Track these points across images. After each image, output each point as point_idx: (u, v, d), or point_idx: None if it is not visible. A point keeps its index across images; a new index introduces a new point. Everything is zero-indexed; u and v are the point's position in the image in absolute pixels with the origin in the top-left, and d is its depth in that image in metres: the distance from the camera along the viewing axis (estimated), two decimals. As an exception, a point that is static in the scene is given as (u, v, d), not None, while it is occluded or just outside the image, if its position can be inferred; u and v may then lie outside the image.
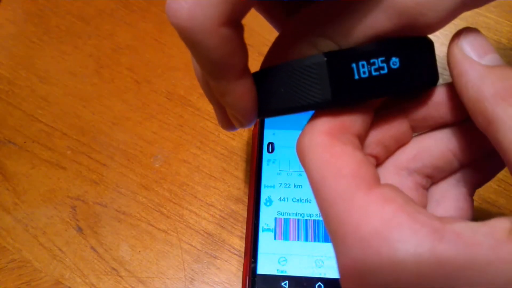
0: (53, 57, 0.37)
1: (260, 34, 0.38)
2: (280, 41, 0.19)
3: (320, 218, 0.28)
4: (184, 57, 0.37)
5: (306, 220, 0.28)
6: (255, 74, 0.18)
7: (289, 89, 0.17)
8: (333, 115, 0.16)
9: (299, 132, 0.29)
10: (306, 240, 0.27)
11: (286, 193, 0.29)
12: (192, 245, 0.29)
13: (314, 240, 0.27)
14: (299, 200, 0.29)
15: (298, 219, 0.28)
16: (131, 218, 0.30)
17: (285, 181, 0.29)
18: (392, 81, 0.16)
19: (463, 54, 0.16)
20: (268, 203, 0.29)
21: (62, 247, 0.30)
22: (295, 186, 0.29)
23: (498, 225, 0.13)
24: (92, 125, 0.34)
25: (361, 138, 0.17)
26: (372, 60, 0.16)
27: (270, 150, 0.30)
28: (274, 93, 0.17)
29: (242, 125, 0.19)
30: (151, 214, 0.30)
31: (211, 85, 0.17)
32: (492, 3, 0.39)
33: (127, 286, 0.28)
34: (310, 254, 0.27)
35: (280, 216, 0.28)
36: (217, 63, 0.15)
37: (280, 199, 0.29)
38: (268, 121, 0.31)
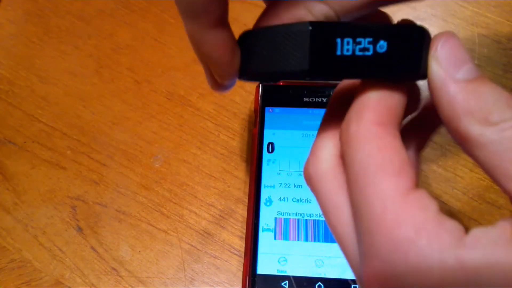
0: (53, 57, 0.37)
1: (260, 34, 0.38)
2: (275, 4, 0.18)
3: (321, 218, 0.28)
4: (184, 57, 0.37)
5: (306, 220, 0.28)
6: (243, 35, 0.18)
7: (270, 53, 0.16)
8: (380, 101, 0.16)
9: (299, 132, 0.29)
10: (306, 240, 0.27)
11: (286, 193, 0.29)
12: (192, 245, 0.29)
13: (314, 240, 0.27)
14: (299, 200, 0.29)
15: (298, 219, 0.28)
16: (131, 218, 0.30)
17: (285, 181, 0.29)
18: (375, 65, 0.16)
19: (438, 68, 0.16)
20: (268, 203, 0.29)
21: (62, 247, 0.29)
22: (295, 186, 0.29)
23: (504, 226, 0.13)
24: (92, 125, 0.34)
25: (400, 126, 0.16)
26: (358, 39, 0.15)
27: (270, 150, 0.30)
28: (256, 55, 0.17)
29: (222, 82, 0.19)
30: (151, 214, 0.30)
31: (188, 32, 0.17)
32: (492, 3, 0.39)
33: (127, 286, 0.28)
34: (310, 254, 0.27)
35: (280, 216, 0.28)
36: (193, 2, 0.16)
37: (280, 199, 0.29)
38: (268, 121, 0.31)
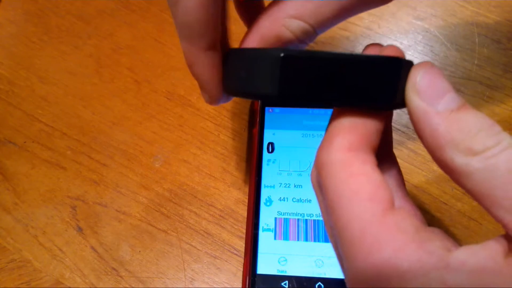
0: (53, 57, 0.37)
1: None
2: (258, 21, 0.19)
3: (320, 218, 0.28)
4: (184, 57, 0.37)
5: (306, 220, 0.28)
6: (227, 52, 0.19)
7: (247, 74, 0.17)
8: (352, 127, 0.16)
9: (299, 132, 0.29)
10: (306, 240, 0.27)
11: (286, 193, 0.29)
12: (192, 245, 0.29)
13: (314, 240, 0.27)
14: (299, 200, 0.29)
15: (298, 219, 0.28)
16: (131, 218, 0.30)
17: (285, 181, 0.29)
18: (346, 93, 0.16)
19: (420, 99, 0.15)
20: (268, 203, 0.29)
21: (62, 247, 0.30)
22: (295, 186, 0.29)
23: (495, 247, 0.13)
24: (92, 125, 0.34)
25: (375, 150, 0.17)
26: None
27: (270, 150, 0.30)
28: (235, 74, 0.18)
29: (210, 99, 0.21)
30: (151, 214, 0.30)
31: (183, 52, 0.19)
32: (492, 3, 0.39)
33: (127, 286, 0.28)
34: (310, 254, 0.27)
35: (280, 216, 0.28)
36: (192, 27, 0.17)
37: (280, 199, 0.29)
38: (268, 121, 0.31)
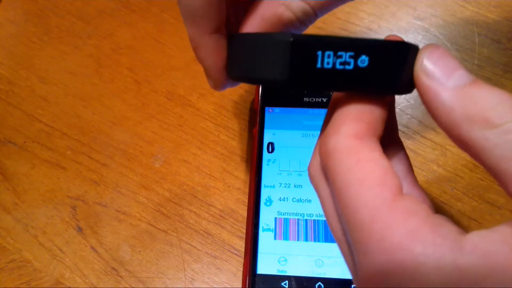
0: (53, 57, 0.37)
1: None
2: (256, 4, 0.19)
3: (321, 218, 0.28)
4: (184, 57, 0.37)
5: (306, 220, 0.28)
6: (230, 37, 0.19)
7: (254, 59, 0.17)
8: (359, 114, 0.16)
9: (299, 132, 0.29)
10: (306, 240, 0.27)
11: (286, 193, 0.29)
12: (192, 245, 0.29)
13: (314, 240, 0.27)
14: (299, 200, 0.29)
15: (298, 219, 0.28)
16: (131, 218, 0.30)
17: (285, 181, 0.29)
18: (356, 79, 0.16)
19: (429, 79, 0.15)
20: (268, 203, 0.29)
21: (62, 247, 0.29)
22: (295, 186, 0.29)
23: (507, 231, 0.13)
24: (92, 125, 0.34)
25: (380, 137, 0.16)
26: (340, 53, 0.15)
27: (270, 150, 0.30)
28: (241, 59, 0.18)
29: (215, 84, 0.21)
30: (151, 214, 0.30)
31: (189, 36, 0.19)
32: (492, 3, 0.39)
33: (127, 286, 0.28)
34: (310, 254, 0.27)
35: (280, 216, 0.28)
36: (196, 9, 0.17)
37: (280, 199, 0.29)
38: (268, 121, 0.31)
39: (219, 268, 0.29)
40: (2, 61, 0.37)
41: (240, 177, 0.32)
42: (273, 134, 0.31)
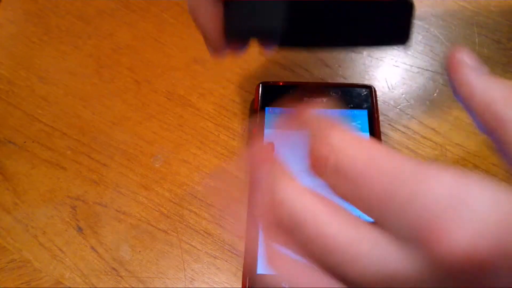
0: (53, 57, 0.37)
1: (260, 34, 0.38)
2: None
3: None
4: (184, 57, 0.37)
5: None
6: (225, 3, 0.20)
7: (250, 21, 0.19)
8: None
9: (300, 132, 0.29)
10: None
11: None
12: (192, 245, 0.29)
13: None
14: None
15: None
16: (131, 218, 0.30)
17: None
18: (357, 34, 0.17)
19: (466, 67, 0.17)
20: None
21: (62, 247, 0.29)
22: None
23: None
24: (92, 125, 0.34)
25: None
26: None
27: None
28: (238, 21, 0.20)
29: (214, 50, 0.22)
30: (151, 214, 0.30)
31: (188, 6, 0.21)
32: (492, 3, 0.39)
33: (127, 286, 0.28)
34: None
35: None
36: None
37: None
38: (268, 121, 0.31)
39: (219, 268, 0.29)
40: (2, 61, 0.37)
41: (240, 177, 0.32)
42: (274, 134, 0.31)
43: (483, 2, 0.39)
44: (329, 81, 0.36)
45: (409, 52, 0.37)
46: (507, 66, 0.36)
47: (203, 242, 0.30)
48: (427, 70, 0.36)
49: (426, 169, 0.13)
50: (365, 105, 0.32)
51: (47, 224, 0.30)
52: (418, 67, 0.36)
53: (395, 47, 0.37)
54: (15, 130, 0.34)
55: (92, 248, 0.29)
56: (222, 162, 0.32)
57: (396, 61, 0.37)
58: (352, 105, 0.32)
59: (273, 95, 0.32)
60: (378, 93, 0.35)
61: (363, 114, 0.31)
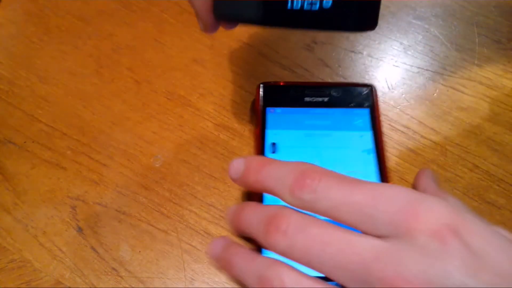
0: (53, 57, 0.37)
1: (261, 34, 0.38)
2: None
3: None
4: (184, 57, 0.37)
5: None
6: None
7: (235, 2, 0.20)
8: None
9: (302, 132, 0.29)
10: None
11: None
12: (192, 245, 0.29)
13: None
14: None
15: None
16: (131, 218, 0.30)
17: None
18: (321, 18, 0.19)
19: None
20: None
21: (62, 247, 0.30)
22: None
23: None
24: (92, 125, 0.34)
25: None
26: (307, 1, 0.18)
27: (273, 150, 0.30)
28: (224, 1, 0.21)
29: (205, 26, 0.24)
30: (151, 214, 0.30)
31: None
32: (492, 3, 0.39)
33: (127, 286, 0.28)
34: None
35: None
36: None
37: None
38: (270, 121, 0.31)
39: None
40: (2, 61, 0.37)
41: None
42: (275, 134, 0.31)
43: (483, 2, 0.39)
44: (329, 80, 0.36)
45: (409, 52, 0.37)
46: (507, 66, 0.36)
47: (203, 242, 0.30)
48: (427, 70, 0.36)
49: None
50: (366, 104, 0.32)
51: (47, 224, 0.30)
52: (418, 67, 0.37)
53: (395, 47, 0.37)
54: (15, 130, 0.34)
55: (92, 248, 0.29)
56: (222, 162, 0.32)
57: (396, 61, 0.37)
58: (353, 104, 0.32)
59: (273, 95, 0.32)
60: (378, 93, 0.35)
61: (364, 113, 0.31)
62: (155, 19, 0.39)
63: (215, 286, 0.28)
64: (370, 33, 0.38)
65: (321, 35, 0.38)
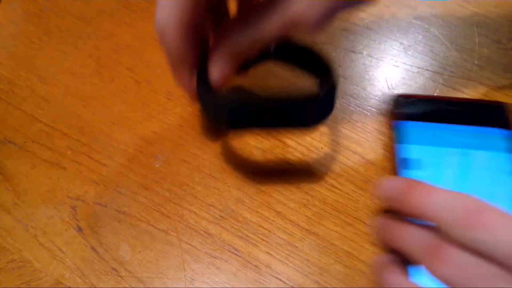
0: (53, 57, 0.37)
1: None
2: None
3: None
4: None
5: None
6: (197, 79, 0.26)
7: (207, 105, 0.26)
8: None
9: (441, 149, 0.31)
10: None
11: None
12: (192, 245, 0.29)
13: None
14: None
15: None
16: (131, 218, 0.30)
17: None
18: (280, 121, 0.24)
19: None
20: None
21: (62, 247, 0.30)
22: None
23: None
24: (92, 125, 0.34)
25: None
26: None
27: (412, 165, 0.30)
28: (201, 99, 0.27)
29: (190, 98, 0.28)
30: (151, 214, 0.30)
31: (171, 71, 0.27)
32: (492, 3, 0.39)
33: (127, 286, 0.28)
34: None
35: None
36: (178, 54, 0.24)
37: None
38: (404, 135, 0.31)
39: (219, 268, 0.29)
40: (2, 61, 0.37)
41: (239, 177, 0.32)
42: (410, 149, 0.31)
43: (483, 2, 0.39)
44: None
45: (409, 52, 0.37)
46: (507, 66, 0.36)
47: (203, 242, 0.30)
48: (427, 70, 0.36)
49: None
50: (498, 123, 0.31)
51: (47, 224, 0.30)
52: (418, 67, 0.37)
53: (395, 47, 0.37)
54: (15, 130, 0.34)
55: (92, 248, 0.29)
56: (222, 162, 0.32)
57: (396, 61, 0.37)
58: (490, 123, 0.31)
59: (408, 108, 0.32)
60: (377, 93, 0.35)
61: (497, 132, 0.31)
62: (155, 19, 0.39)
63: (215, 286, 0.28)
64: (370, 33, 0.38)
65: (321, 35, 0.38)
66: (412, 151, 0.31)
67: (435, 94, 0.35)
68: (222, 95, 0.24)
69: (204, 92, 0.25)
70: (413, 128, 0.32)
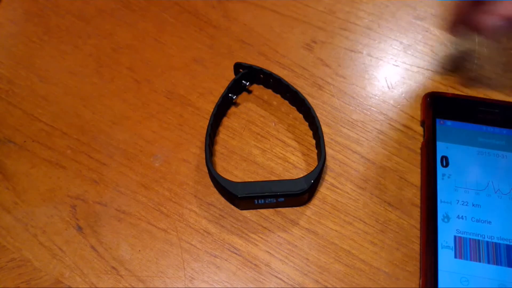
0: (53, 56, 0.38)
1: (260, 34, 0.38)
2: None
3: (502, 242, 0.28)
4: (184, 57, 0.37)
5: (487, 241, 0.27)
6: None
7: (223, 191, 0.30)
8: None
9: (474, 149, 0.31)
10: (488, 262, 0.27)
11: (464, 211, 0.29)
12: (192, 244, 0.30)
13: (497, 264, 0.27)
14: (479, 220, 0.28)
15: (478, 240, 0.28)
16: (131, 217, 0.30)
17: (463, 199, 0.29)
18: (277, 205, 0.30)
19: None
20: (446, 220, 0.28)
21: (62, 246, 0.30)
22: (473, 205, 0.29)
23: None
24: (92, 124, 0.34)
25: None
26: (268, 200, 0.29)
27: (444, 164, 0.30)
28: (215, 183, 0.31)
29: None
30: (151, 213, 0.31)
31: None
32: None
33: (127, 285, 0.28)
34: (492, 278, 0.26)
35: (460, 235, 0.28)
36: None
37: (458, 217, 0.28)
38: (440, 133, 0.31)
39: (218, 267, 0.29)
40: (2, 61, 0.37)
41: (239, 176, 0.32)
42: (446, 147, 0.31)
43: (482, 2, 0.39)
44: (328, 80, 0.36)
45: (409, 52, 0.37)
46: (507, 66, 0.36)
47: (203, 241, 0.30)
48: (427, 69, 0.36)
49: None
50: None
51: (47, 223, 0.30)
52: (418, 67, 0.37)
53: (395, 47, 0.37)
54: (15, 129, 0.34)
55: (92, 247, 0.29)
56: (222, 161, 0.32)
57: (396, 61, 0.37)
58: None
59: (444, 106, 0.33)
60: (377, 92, 0.35)
61: None
62: (155, 19, 0.39)
63: (215, 285, 0.28)
64: (370, 33, 0.38)
65: (321, 35, 0.38)
66: (448, 150, 0.31)
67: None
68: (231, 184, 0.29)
69: (214, 178, 0.30)
70: (449, 127, 0.32)
